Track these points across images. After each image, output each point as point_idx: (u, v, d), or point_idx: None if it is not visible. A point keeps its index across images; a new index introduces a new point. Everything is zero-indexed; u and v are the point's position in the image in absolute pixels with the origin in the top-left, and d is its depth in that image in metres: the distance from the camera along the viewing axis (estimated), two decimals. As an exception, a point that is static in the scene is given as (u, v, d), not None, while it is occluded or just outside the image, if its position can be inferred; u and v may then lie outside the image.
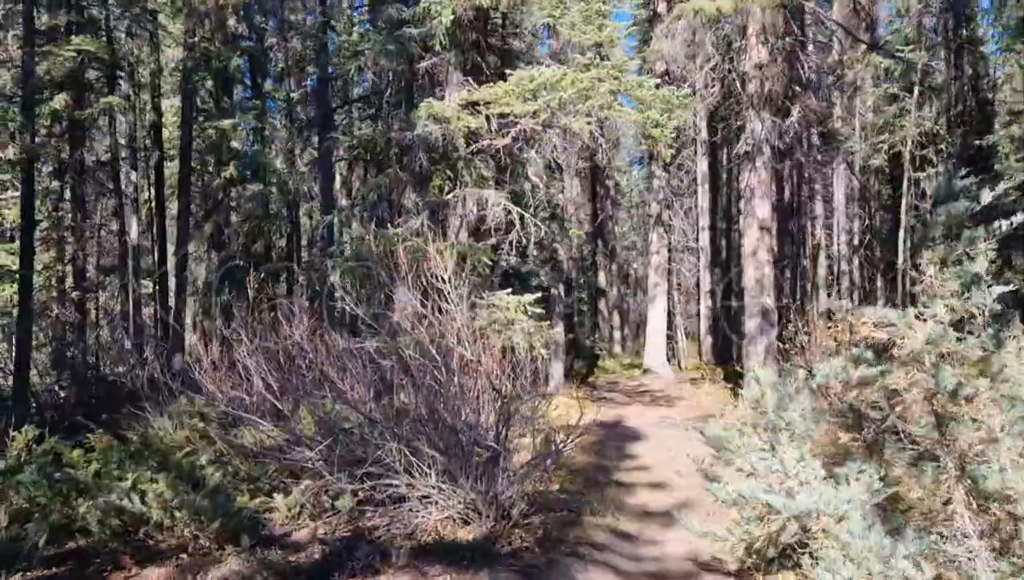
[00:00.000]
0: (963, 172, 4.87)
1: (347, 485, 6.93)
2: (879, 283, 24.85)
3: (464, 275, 8.68)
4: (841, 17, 15.96)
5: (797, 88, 13.25)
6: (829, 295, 23.85)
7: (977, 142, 19.67)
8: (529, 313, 11.05)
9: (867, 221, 23.05)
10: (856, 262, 23.18)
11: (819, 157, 18.56)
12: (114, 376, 13.73)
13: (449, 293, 7.11)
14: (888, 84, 17.85)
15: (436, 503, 6.75)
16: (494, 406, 7.39)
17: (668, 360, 22.81)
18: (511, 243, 11.26)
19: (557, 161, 15.67)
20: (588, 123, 10.64)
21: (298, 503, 6.81)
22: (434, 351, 7.03)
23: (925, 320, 4.60)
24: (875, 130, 18.49)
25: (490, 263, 11.14)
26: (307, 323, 8.55)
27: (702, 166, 24.99)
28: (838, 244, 23.73)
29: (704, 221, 25.02)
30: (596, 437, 12.43)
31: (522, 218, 11.16)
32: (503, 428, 7.34)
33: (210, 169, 16.87)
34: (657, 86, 11.25)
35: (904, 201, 18.08)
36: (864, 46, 20.10)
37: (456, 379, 7.25)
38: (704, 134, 25.00)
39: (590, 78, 10.64)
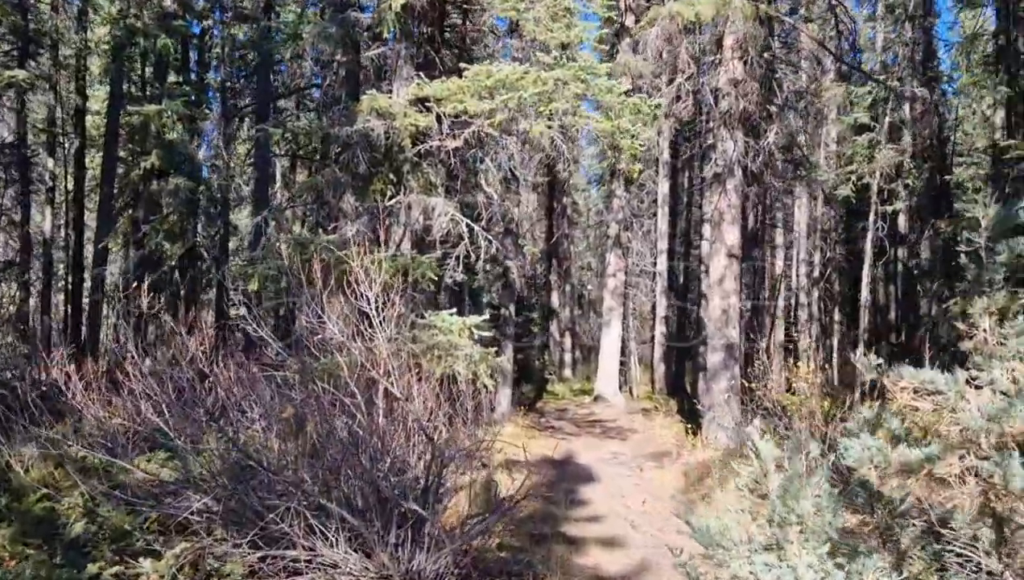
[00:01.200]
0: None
1: (236, 547, 5.59)
2: (836, 317, 24.25)
3: (401, 291, 7.43)
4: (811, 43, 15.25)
5: (773, 108, 12.36)
6: (787, 329, 23.15)
7: (947, 178, 19.21)
8: (475, 337, 9.81)
9: (828, 253, 22.42)
10: (815, 295, 22.50)
11: (783, 184, 17.78)
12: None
13: (376, 316, 5.84)
14: (858, 114, 17.24)
15: (347, 575, 5.48)
16: (424, 455, 6.15)
17: (620, 387, 21.77)
18: (459, 257, 10.03)
19: (513, 171, 14.52)
20: (550, 128, 9.50)
21: (172, 569, 5.45)
22: (353, 386, 5.76)
23: (979, 387, 3.52)
24: (843, 160, 17.86)
25: (435, 278, 9.89)
26: (210, 341, 7.20)
27: (663, 188, 24.15)
28: (797, 275, 23.06)
29: (663, 245, 24.16)
30: (544, 477, 11.23)
31: (472, 231, 9.95)
32: (433, 482, 6.10)
33: (132, 158, 15.32)
34: (628, 93, 10.19)
35: (870, 234, 17.40)
36: (832, 73, 19.53)
37: (379, 420, 6.00)
38: (666, 155, 24.20)
39: (554, 79, 9.52)
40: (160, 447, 7.79)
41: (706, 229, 19.51)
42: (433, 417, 6.60)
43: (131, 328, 10.32)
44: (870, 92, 16.75)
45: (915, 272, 19.97)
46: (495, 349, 11.32)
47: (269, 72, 15.51)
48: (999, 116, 19.10)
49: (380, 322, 5.75)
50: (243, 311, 9.08)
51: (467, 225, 9.81)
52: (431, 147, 9.94)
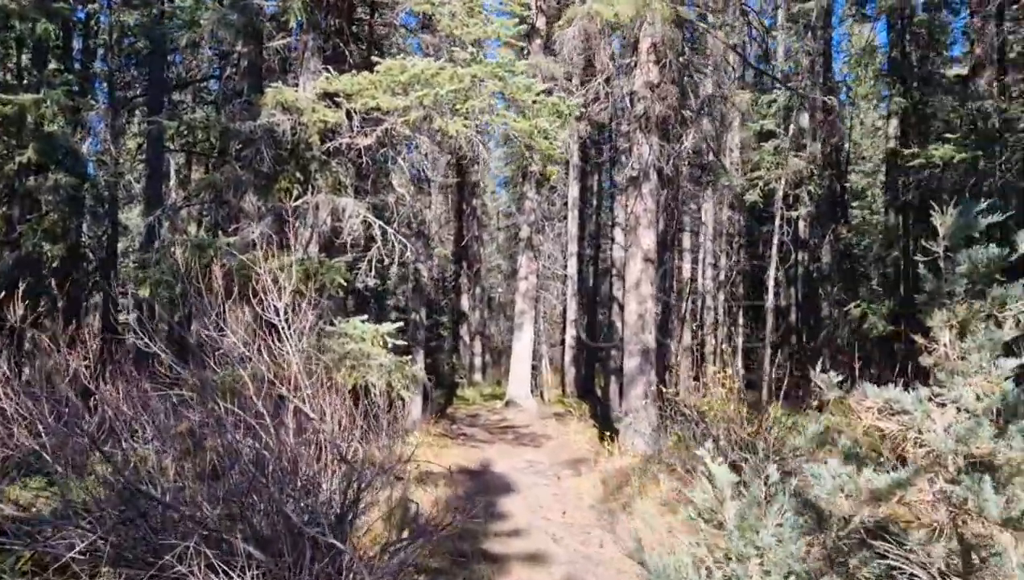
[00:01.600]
0: (981, 206, 3.68)
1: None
2: (741, 320, 24.81)
3: (310, 298, 6.89)
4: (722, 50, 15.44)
5: (687, 112, 12.36)
6: (694, 332, 23.50)
7: (844, 185, 19.88)
8: (389, 345, 9.31)
9: (733, 258, 22.90)
10: (721, 298, 22.93)
11: (693, 189, 18.00)
12: None
13: (284, 326, 5.32)
14: (764, 121, 17.64)
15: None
16: (339, 478, 5.65)
17: (531, 391, 21.57)
18: (370, 261, 9.50)
19: (425, 172, 14.06)
20: (466, 127, 9.11)
21: (48, 618, 4.77)
22: (259, 403, 5.21)
23: (943, 405, 3.35)
24: (749, 166, 18.24)
25: (344, 283, 9.33)
26: (95, 353, 6.46)
27: (573, 191, 24.12)
28: (703, 279, 23.44)
29: (573, 248, 24.12)
30: (461, 489, 10.83)
31: (384, 233, 9.44)
32: (350, 507, 5.62)
33: (7, 152, 13.98)
34: (547, 92, 9.91)
35: (776, 239, 17.80)
36: (737, 81, 19.92)
37: (288, 440, 5.46)
38: (576, 158, 24.18)
39: (471, 75, 9.13)
40: (36, 473, 7.00)
41: (617, 233, 19.55)
42: (347, 435, 6.12)
43: (3, 339, 9.33)
44: (775, 100, 17.13)
45: (815, 276, 20.59)
46: (408, 357, 10.87)
47: (163, 61, 14.46)
48: (892, 126, 19.89)
49: (289, 332, 5.23)
50: (134, 319, 8.33)
51: (380, 227, 9.30)
52: (341, 145, 9.38)
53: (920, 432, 3.26)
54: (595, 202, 25.55)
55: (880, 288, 20.00)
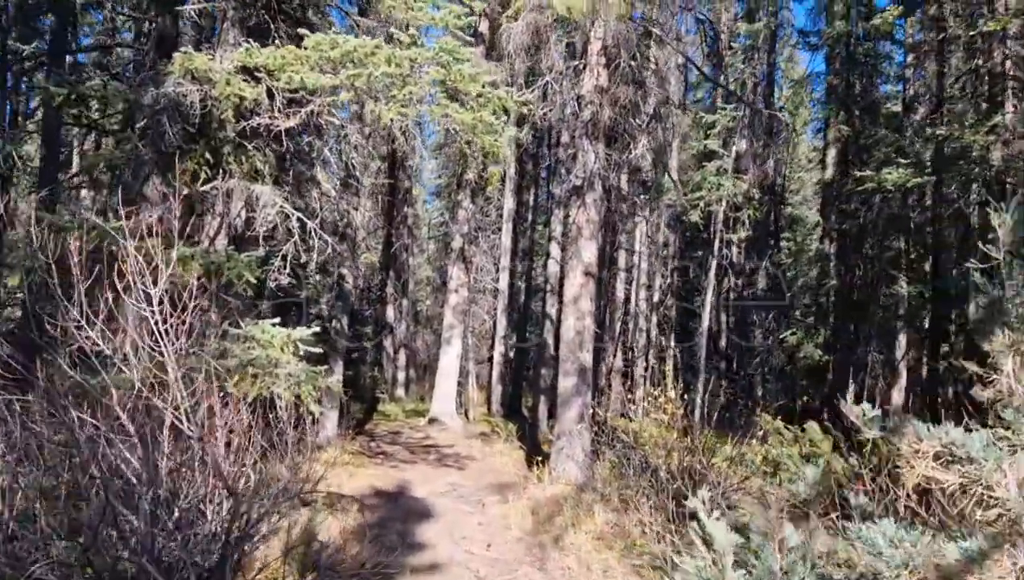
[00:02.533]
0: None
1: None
2: (672, 343, 24.44)
3: (213, 294, 5.87)
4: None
5: (637, 121, 11.75)
6: (624, 354, 22.98)
7: (782, 211, 19.73)
8: (301, 352, 8.28)
9: (667, 279, 22.53)
10: (654, 320, 22.51)
11: (631, 205, 17.49)
12: None
13: (163, 324, 4.30)
14: (707, 141, 17.32)
15: None
16: (227, 514, 4.65)
17: (457, 409, 20.61)
18: (286, 257, 8.45)
19: (355, 168, 13.06)
20: (402, 115, 8.21)
21: None
22: (124, 417, 4.18)
23: (1014, 451, 2.60)
24: (691, 187, 17.88)
25: (254, 281, 8.25)
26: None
27: (508, 203, 23.37)
28: (636, 300, 22.98)
29: (506, 262, 23.34)
30: (376, 515, 9.80)
31: (304, 226, 8.42)
32: (238, 545, 4.62)
33: None
34: (494, 84, 9.09)
35: (714, 262, 17.42)
36: (677, 99, 19.59)
37: (163, 463, 4.44)
38: (512, 170, 23.49)
39: (411, 59, 8.26)
40: None
41: (553, 248, 18.87)
42: (240, 455, 5.14)
43: None
44: (716, 120, 16.81)
45: (749, 303, 20.34)
46: (325, 367, 9.84)
47: (64, 24, 13.04)
48: (831, 154, 19.86)
49: (164, 329, 4.22)
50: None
51: (298, 220, 8.27)
52: (259, 126, 8.34)
53: (988, 487, 2.50)
54: (530, 217, 24.88)
55: (813, 317, 19.86)
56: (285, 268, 8.31)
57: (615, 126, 11.70)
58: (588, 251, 11.66)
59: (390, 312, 24.37)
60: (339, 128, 10.22)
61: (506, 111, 9.03)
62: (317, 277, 19.30)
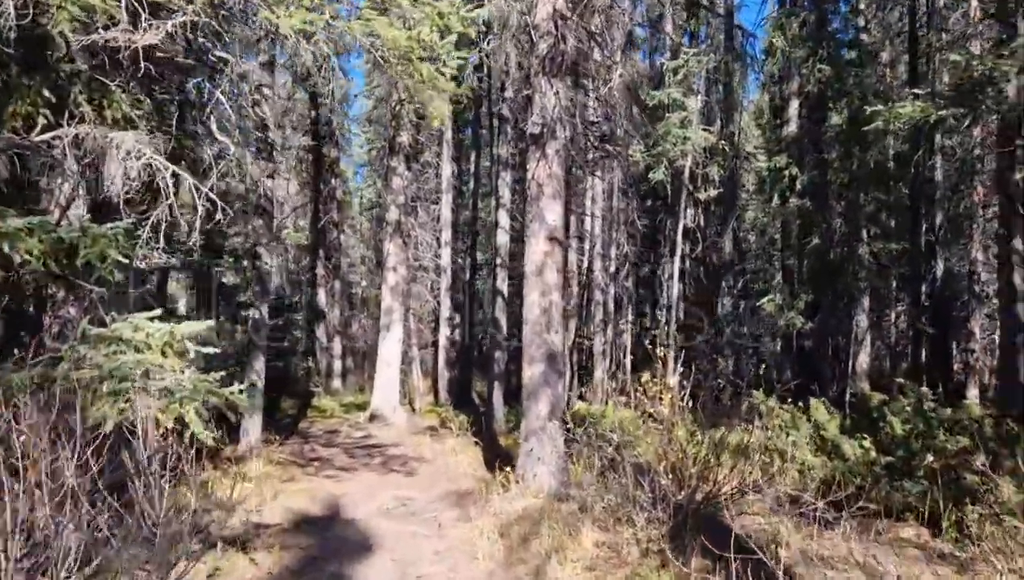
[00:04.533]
0: None
1: None
2: (631, 316, 22.75)
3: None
4: None
5: (606, 52, 9.81)
6: (579, 328, 21.23)
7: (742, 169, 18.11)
8: (191, 353, 6.14)
9: (626, 248, 20.74)
10: (612, 292, 20.73)
11: (592, 161, 15.61)
12: None
13: None
14: (670, 90, 15.50)
15: None
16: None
17: (400, 401, 18.55)
18: (156, 224, 6.22)
19: (265, 125, 10.84)
20: (310, 26, 6.07)
21: None
22: None
23: None
24: (652, 141, 16.10)
25: (123, 260, 6.02)
26: None
27: (447, 170, 21.25)
28: (592, 270, 21.16)
29: (447, 235, 21.27)
30: (303, 551, 7.73)
31: (178, 182, 6.23)
32: None
33: None
34: (430, -9, 6.99)
35: (681, 225, 15.72)
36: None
37: None
38: (450, 133, 21.37)
39: (319, -47, 6.12)
40: None
41: (502, 216, 16.87)
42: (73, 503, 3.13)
43: None
44: (682, 66, 15.04)
45: (712, 269, 18.74)
46: (234, 367, 7.71)
47: None
48: (794, 106, 18.33)
49: None
50: None
51: (174, 174, 6.07)
52: (108, 43, 6.06)
53: None
54: (472, 184, 22.79)
55: (784, 281, 18.38)
56: (157, 240, 6.11)
57: (577, 61, 9.74)
58: (552, 212, 9.72)
59: (322, 296, 22.08)
60: (233, 70, 8.01)
61: (448, 28, 6.95)
62: (231, 261, 16.97)
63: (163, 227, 5.99)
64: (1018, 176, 10.20)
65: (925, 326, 16.91)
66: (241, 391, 6.16)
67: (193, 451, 5.09)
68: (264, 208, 13.08)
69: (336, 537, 8.39)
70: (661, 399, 7.99)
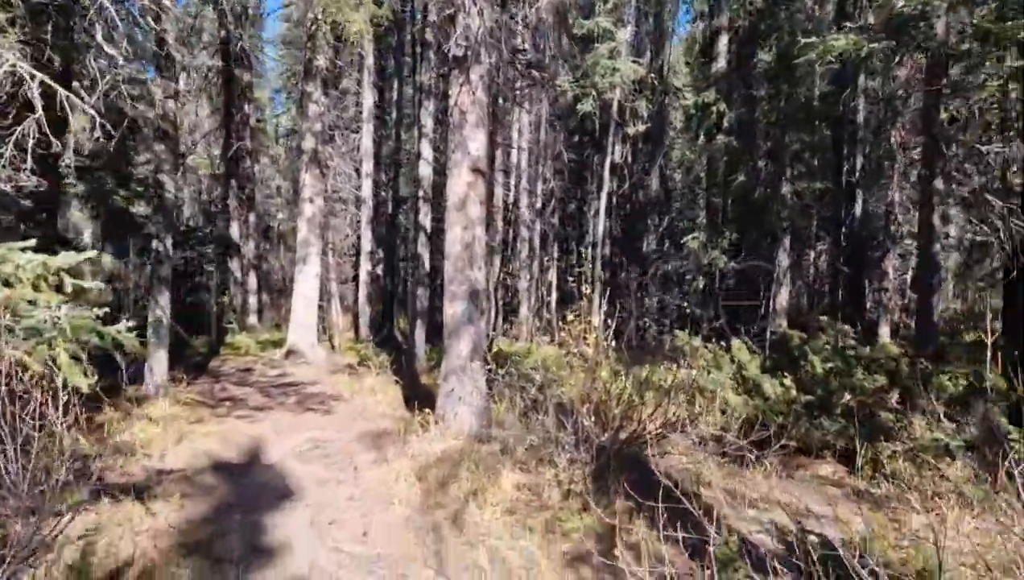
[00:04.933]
0: None
1: None
2: (555, 253, 22.53)
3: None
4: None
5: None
6: (504, 264, 20.92)
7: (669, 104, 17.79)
8: (69, 287, 5.51)
9: (551, 183, 20.37)
10: (538, 228, 20.41)
11: (520, 89, 15.04)
12: None
13: None
14: (599, 19, 14.94)
15: None
16: None
17: (319, 338, 17.96)
18: (20, 139, 5.46)
19: (163, 40, 9.90)
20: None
21: None
22: None
23: None
24: (580, 72, 15.56)
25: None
26: None
27: (368, 99, 20.31)
28: (517, 206, 20.75)
29: (368, 166, 20.44)
30: (210, 500, 7.27)
31: (47, 91, 5.46)
32: None
33: None
34: None
35: (608, 160, 15.37)
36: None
37: None
38: (371, 59, 20.37)
39: None
40: None
41: (424, 147, 16.20)
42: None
43: None
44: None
45: (639, 206, 18.58)
46: (143, 302, 7.02)
47: None
48: (723, 42, 18.04)
49: None
50: None
51: (41, 83, 5.30)
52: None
53: None
54: (395, 113, 21.86)
55: (708, 219, 18.36)
56: (25, 161, 5.37)
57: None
58: (476, 141, 9.21)
59: (235, 229, 21.02)
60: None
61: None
62: (136, 187, 15.91)
63: (30, 144, 5.26)
64: (943, 115, 10.23)
65: (842, 266, 17.19)
66: (131, 329, 5.56)
67: (66, 395, 4.54)
68: (166, 132, 12.11)
69: (246, 483, 7.94)
70: (586, 338, 7.74)
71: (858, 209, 20.70)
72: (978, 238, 20.34)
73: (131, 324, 5.57)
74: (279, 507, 7.14)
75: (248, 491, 7.60)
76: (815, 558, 3.98)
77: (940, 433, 8.03)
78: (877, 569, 3.59)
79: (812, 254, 23.11)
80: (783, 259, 19.28)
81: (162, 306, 12.20)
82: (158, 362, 12.25)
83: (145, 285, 13.86)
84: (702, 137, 18.14)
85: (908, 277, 20.95)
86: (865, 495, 7.64)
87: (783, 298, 19.51)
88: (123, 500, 6.76)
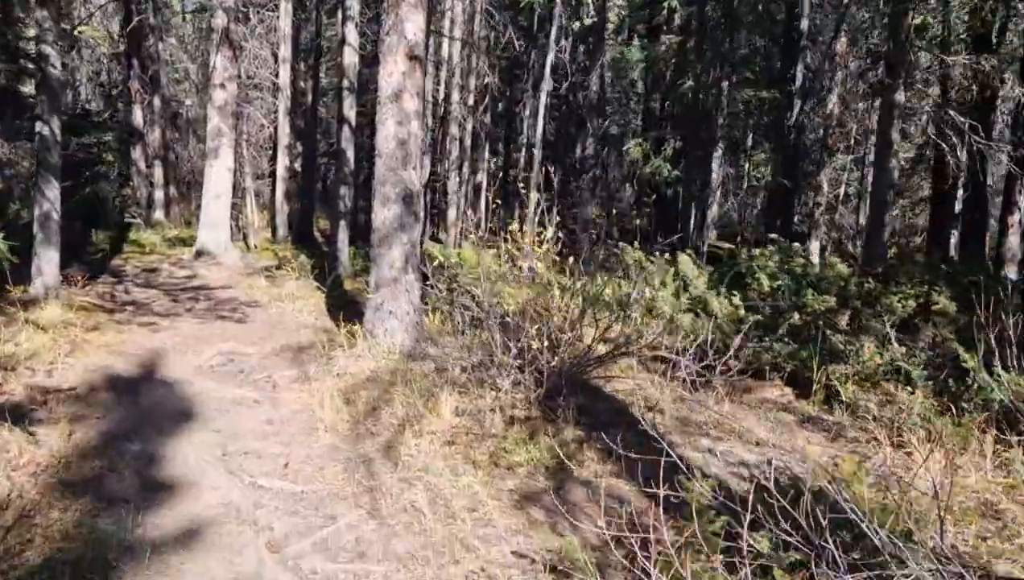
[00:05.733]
0: None
1: None
2: (487, 154, 21.48)
3: None
4: None
5: None
6: (433, 164, 19.85)
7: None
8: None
9: (486, 78, 19.11)
10: (470, 127, 19.27)
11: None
12: None
13: None
14: None
15: None
16: None
17: (232, 237, 16.73)
18: None
19: None
20: None
21: None
22: None
23: None
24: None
25: None
26: None
27: (286, -24, 18.43)
28: (449, 102, 19.50)
29: (286, 51, 18.76)
30: (103, 422, 6.34)
31: None
32: None
33: None
34: None
35: (551, 56, 14.27)
36: None
37: None
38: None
39: None
40: None
41: (349, 31, 14.73)
42: None
43: None
44: None
45: (577, 108, 17.64)
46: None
47: None
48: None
49: None
50: None
51: None
52: None
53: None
54: (317, -6, 19.97)
55: (646, 125, 17.60)
56: None
57: None
58: (413, 23, 8.11)
59: (137, 114, 19.10)
60: None
61: None
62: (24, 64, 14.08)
63: None
64: (914, 20, 9.60)
65: (782, 179, 16.85)
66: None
67: None
68: (49, -4, 10.46)
69: (146, 403, 7.04)
70: (535, 250, 7.00)
71: (793, 119, 20.31)
72: (910, 155, 20.30)
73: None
74: (185, 433, 6.30)
75: (150, 414, 6.71)
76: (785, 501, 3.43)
77: (895, 357, 7.72)
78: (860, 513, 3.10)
79: (747, 165, 22.79)
80: (718, 169, 18.83)
81: (50, 199, 10.81)
82: (48, 261, 10.97)
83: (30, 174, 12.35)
84: (637, 39, 17.21)
85: (840, 192, 20.87)
86: (818, 422, 7.31)
87: (714, 210, 19.17)
88: (0, 426, 5.80)
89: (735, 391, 7.96)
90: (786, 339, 8.80)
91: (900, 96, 10.24)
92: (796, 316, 9.13)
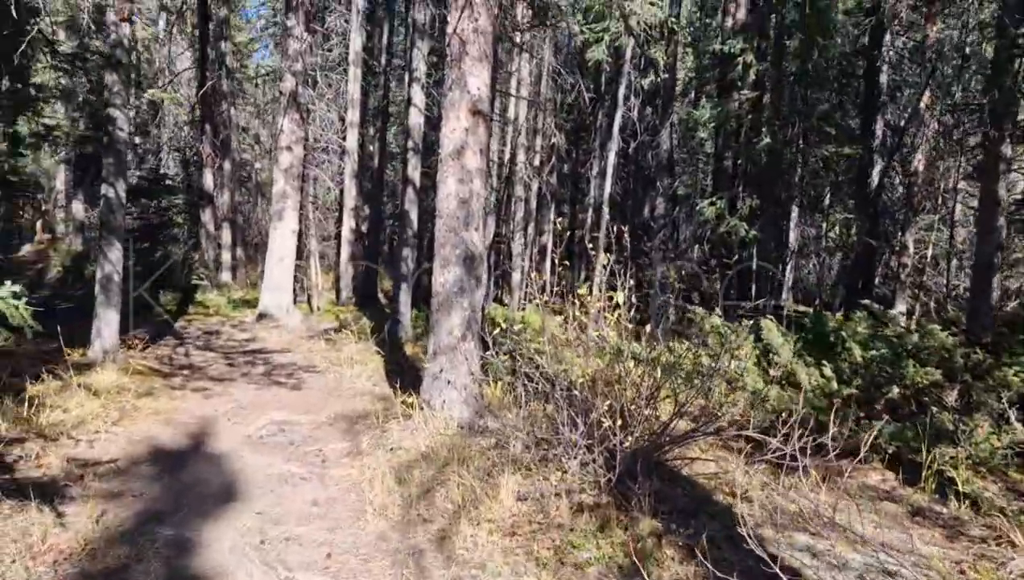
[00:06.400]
0: None
1: None
2: (552, 215, 21.05)
3: None
4: None
5: None
6: (498, 226, 19.50)
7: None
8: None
9: (553, 138, 18.81)
10: (536, 188, 18.92)
11: (525, 32, 13.49)
12: None
13: None
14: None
15: None
16: None
17: (295, 299, 16.55)
18: None
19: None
20: None
21: None
22: None
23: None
24: (592, 16, 14.05)
25: None
26: None
27: (356, 42, 18.63)
28: (514, 163, 19.22)
29: (354, 115, 18.85)
30: (131, 503, 5.88)
31: None
32: None
33: None
34: None
35: (618, 116, 13.88)
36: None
37: None
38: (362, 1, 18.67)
39: None
40: None
41: (416, 93, 14.60)
42: None
43: None
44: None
45: (648, 168, 17.11)
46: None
47: None
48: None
49: None
50: None
51: None
52: None
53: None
54: (384, 58, 20.16)
55: (715, 185, 16.92)
56: None
57: None
58: (477, 78, 7.74)
59: (208, 177, 19.42)
60: None
61: None
62: (69, 128, 14.35)
63: None
64: (1022, 67, 8.80)
65: (867, 238, 15.88)
66: (16, 296, 4.15)
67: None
68: (119, 60, 10.55)
69: (188, 479, 6.58)
70: (606, 317, 6.37)
71: (875, 179, 19.35)
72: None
73: (16, 289, 4.14)
74: (224, 516, 5.78)
75: (190, 492, 6.24)
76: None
77: (1016, 438, 6.76)
78: None
79: (825, 225, 21.80)
80: (795, 230, 17.95)
81: (112, 261, 10.73)
82: (107, 324, 10.83)
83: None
84: (706, 98, 16.66)
85: (929, 254, 19.67)
86: (931, 515, 6.37)
87: (792, 271, 18.21)
88: (28, 505, 5.39)
89: (828, 474, 7.09)
90: (886, 416, 7.89)
91: (1007, 149, 9.39)
92: (895, 390, 8.22)
